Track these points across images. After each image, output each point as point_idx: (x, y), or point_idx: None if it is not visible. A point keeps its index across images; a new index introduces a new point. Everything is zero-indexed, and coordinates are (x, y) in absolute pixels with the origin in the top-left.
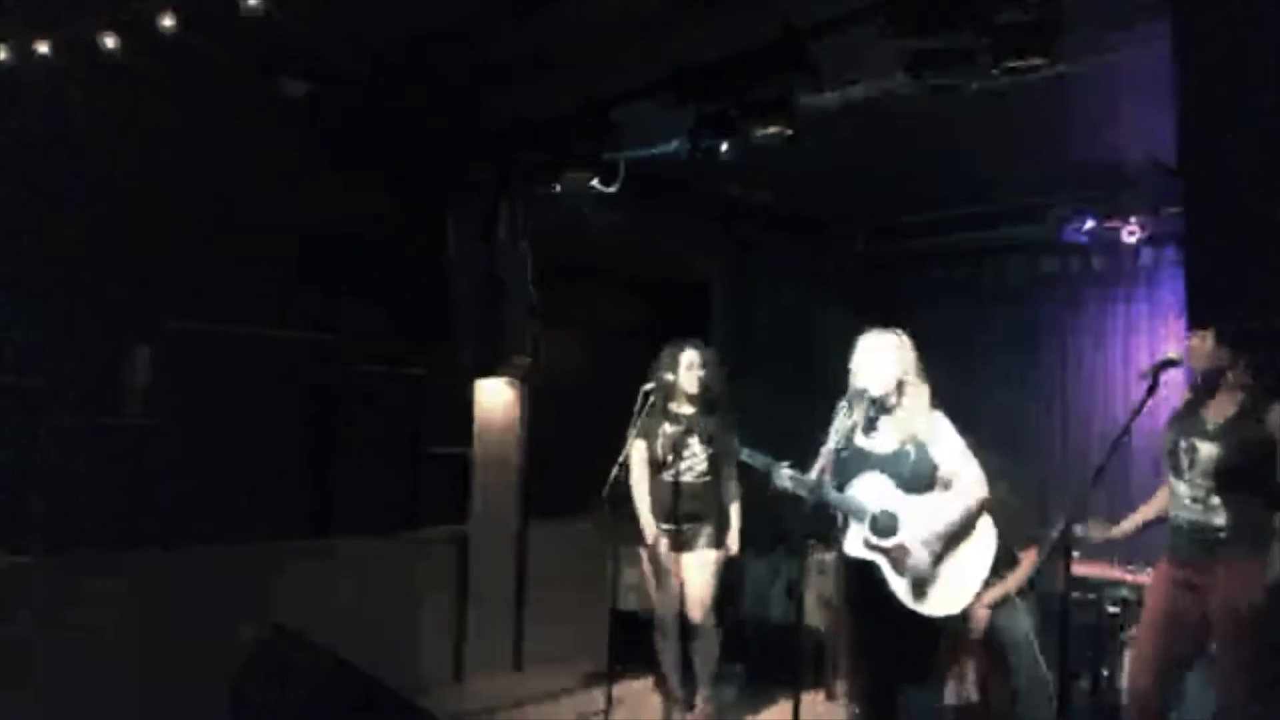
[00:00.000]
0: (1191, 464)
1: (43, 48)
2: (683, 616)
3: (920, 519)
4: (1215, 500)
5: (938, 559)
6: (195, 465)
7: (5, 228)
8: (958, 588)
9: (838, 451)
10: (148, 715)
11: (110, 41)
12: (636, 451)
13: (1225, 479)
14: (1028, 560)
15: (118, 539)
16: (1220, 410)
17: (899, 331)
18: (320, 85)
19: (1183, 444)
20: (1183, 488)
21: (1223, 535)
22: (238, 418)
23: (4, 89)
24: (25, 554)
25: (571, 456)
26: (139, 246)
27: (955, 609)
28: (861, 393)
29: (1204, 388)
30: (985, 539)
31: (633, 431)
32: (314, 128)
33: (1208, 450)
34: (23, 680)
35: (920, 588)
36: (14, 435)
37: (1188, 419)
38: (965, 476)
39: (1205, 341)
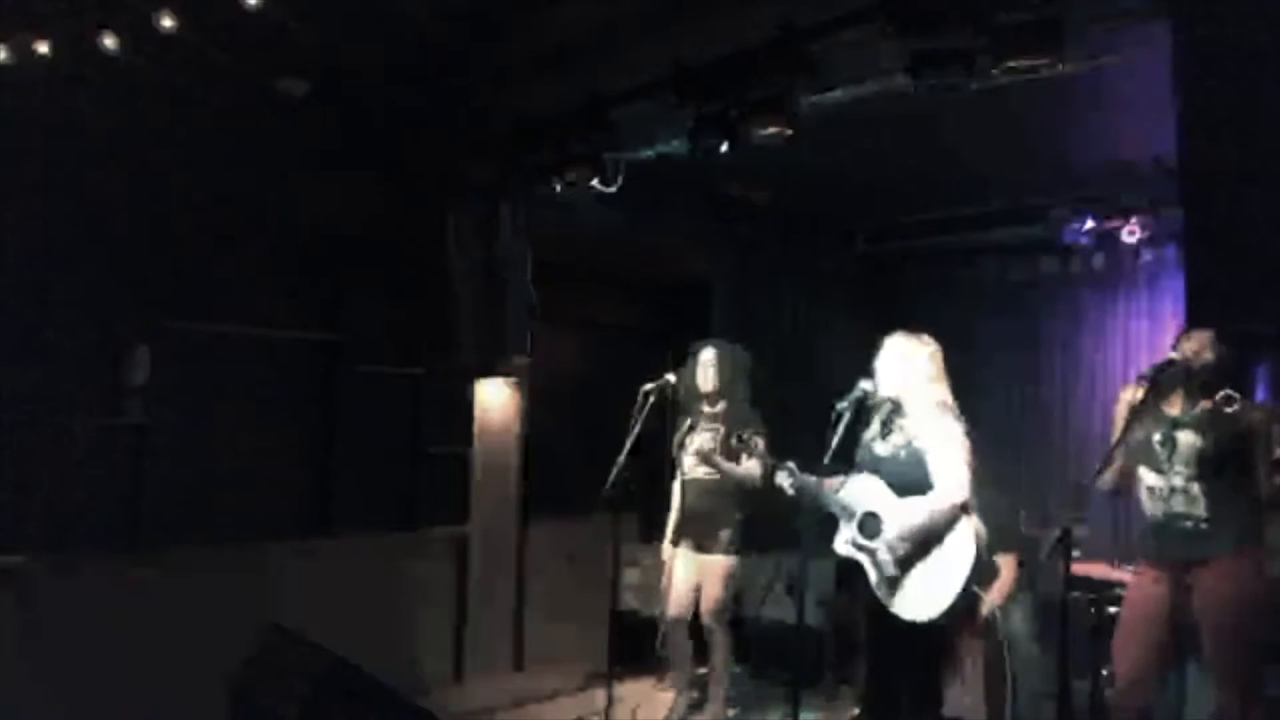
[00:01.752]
0: (1171, 455)
1: (43, 48)
2: (697, 616)
3: (897, 521)
4: (1196, 489)
5: (906, 562)
6: (195, 465)
7: (5, 227)
8: (934, 592)
9: (856, 455)
10: (148, 715)
11: (110, 41)
12: (675, 457)
13: (1206, 467)
14: (1008, 567)
15: (118, 539)
16: (1188, 403)
17: (922, 336)
18: (320, 85)
19: (1158, 437)
20: (1161, 481)
21: (1205, 526)
22: (238, 418)
23: (4, 89)
24: (25, 554)
25: (571, 456)
26: (139, 246)
27: (932, 613)
28: (868, 394)
29: (1175, 385)
30: (963, 544)
31: (634, 431)
32: (314, 127)
33: (1188, 439)
34: (23, 680)
35: (896, 589)
36: (14, 435)
37: (1154, 414)
38: (943, 480)
39: (1194, 342)
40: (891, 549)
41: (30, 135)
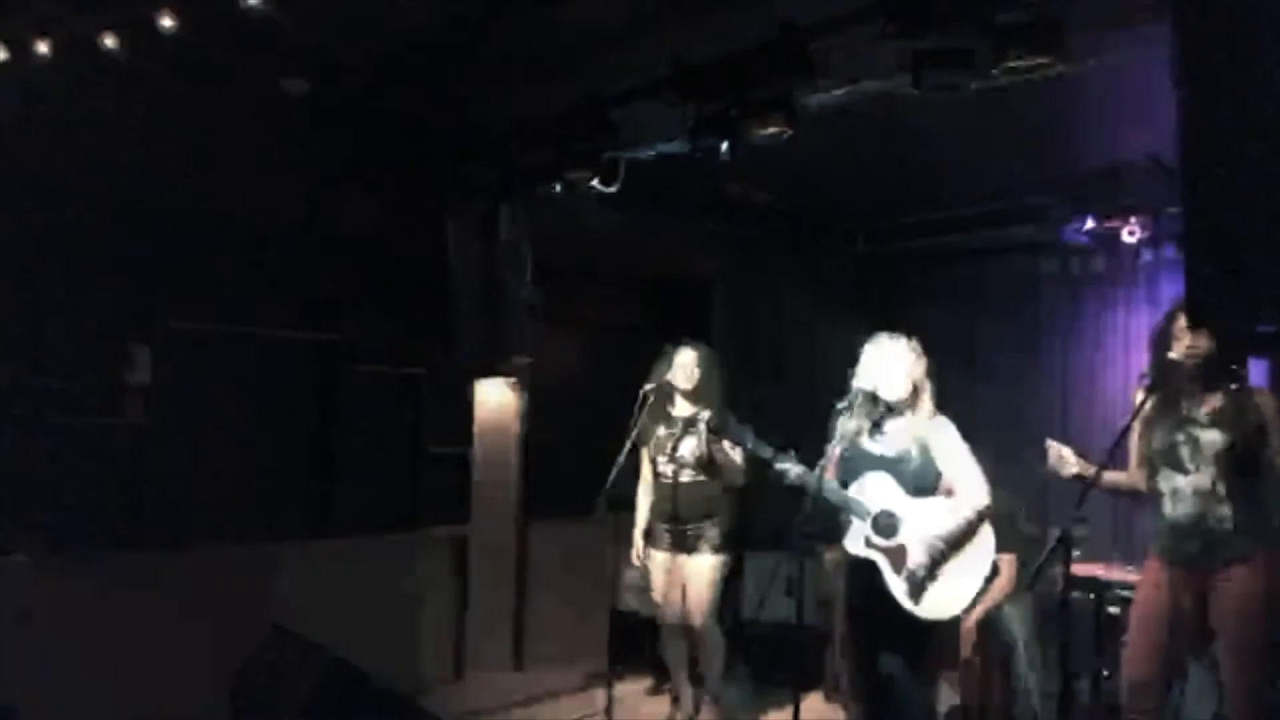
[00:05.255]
0: (1194, 454)
1: (43, 48)
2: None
3: (922, 521)
4: (1222, 489)
5: (937, 564)
6: (195, 465)
7: (6, 228)
8: (954, 592)
9: (841, 453)
10: (148, 716)
11: (110, 41)
12: (644, 459)
13: (1231, 465)
14: (1007, 566)
15: (118, 539)
16: (1206, 402)
17: (912, 338)
18: (320, 85)
19: (1179, 437)
20: (1184, 482)
21: (1230, 526)
22: (238, 418)
23: (4, 89)
24: (25, 554)
25: (571, 456)
26: (139, 246)
27: (951, 613)
28: (867, 394)
29: (1180, 383)
30: (984, 547)
31: (634, 432)
32: (314, 128)
33: (1210, 438)
34: (23, 680)
35: (917, 589)
36: (14, 435)
37: (1172, 415)
38: (969, 484)
39: (1195, 337)
40: (929, 548)
41: (30, 135)
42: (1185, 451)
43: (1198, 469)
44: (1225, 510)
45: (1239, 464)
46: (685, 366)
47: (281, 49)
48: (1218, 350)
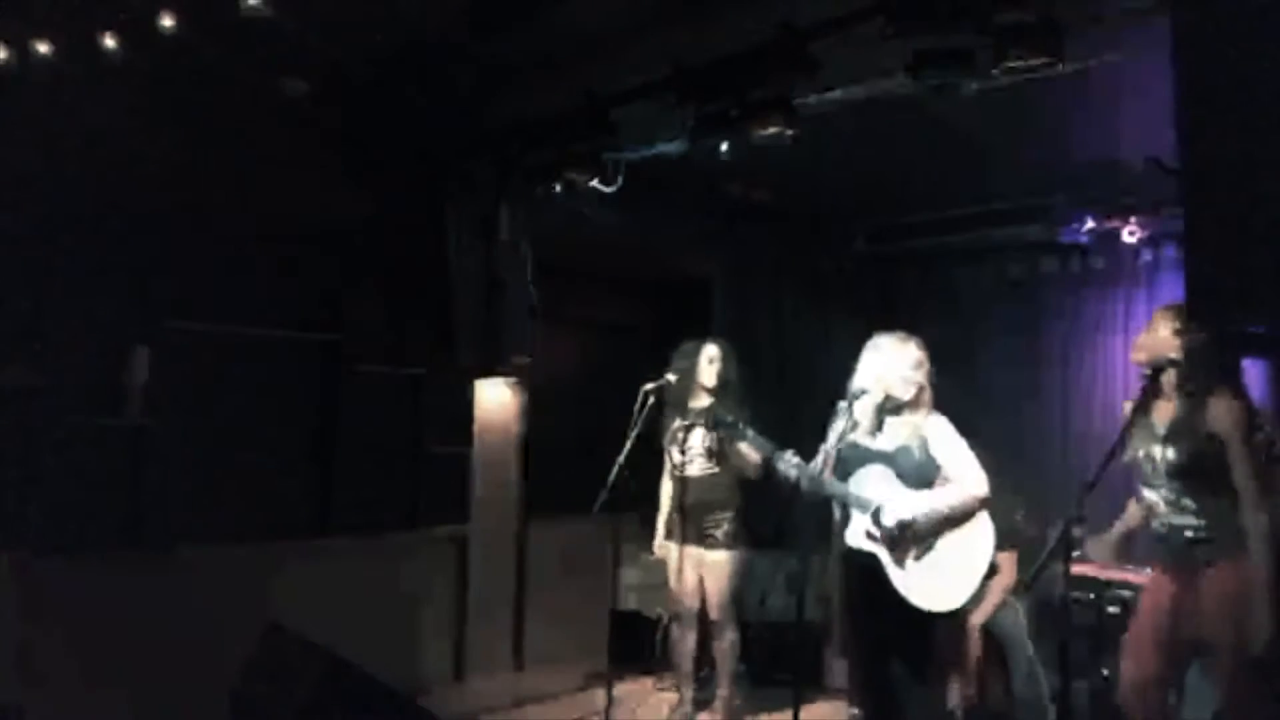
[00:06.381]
0: (1154, 470)
1: (43, 48)
2: (702, 614)
3: (918, 511)
4: (1186, 502)
5: (930, 544)
6: (195, 465)
7: (6, 229)
8: (955, 583)
9: (838, 450)
10: (147, 716)
11: (110, 41)
12: (666, 453)
13: (1185, 480)
14: (1007, 564)
15: (118, 539)
16: (1166, 413)
17: (918, 339)
18: (321, 85)
19: (1142, 453)
20: (1155, 495)
21: (1198, 536)
22: (238, 418)
23: (4, 89)
24: (25, 553)
25: (571, 456)
26: (139, 246)
27: (953, 604)
28: (868, 393)
29: (1149, 391)
30: (982, 535)
31: (634, 431)
32: (314, 128)
33: (1162, 454)
34: (21, 681)
35: (918, 581)
36: (14, 435)
37: (1143, 427)
38: (967, 475)
39: (1153, 338)
40: (916, 537)
41: (30, 135)
42: (1148, 467)
43: (1160, 485)
44: (1191, 521)
45: (1194, 478)
46: (713, 362)
47: (281, 49)
48: (1184, 357)
